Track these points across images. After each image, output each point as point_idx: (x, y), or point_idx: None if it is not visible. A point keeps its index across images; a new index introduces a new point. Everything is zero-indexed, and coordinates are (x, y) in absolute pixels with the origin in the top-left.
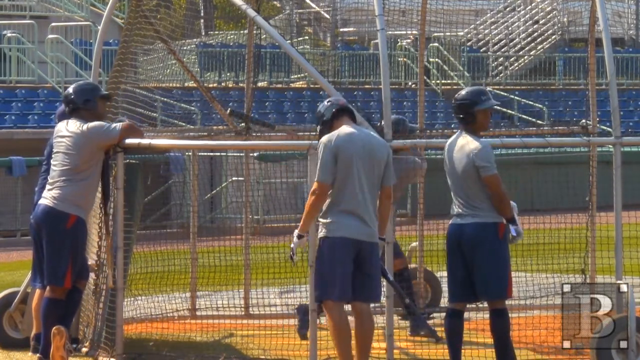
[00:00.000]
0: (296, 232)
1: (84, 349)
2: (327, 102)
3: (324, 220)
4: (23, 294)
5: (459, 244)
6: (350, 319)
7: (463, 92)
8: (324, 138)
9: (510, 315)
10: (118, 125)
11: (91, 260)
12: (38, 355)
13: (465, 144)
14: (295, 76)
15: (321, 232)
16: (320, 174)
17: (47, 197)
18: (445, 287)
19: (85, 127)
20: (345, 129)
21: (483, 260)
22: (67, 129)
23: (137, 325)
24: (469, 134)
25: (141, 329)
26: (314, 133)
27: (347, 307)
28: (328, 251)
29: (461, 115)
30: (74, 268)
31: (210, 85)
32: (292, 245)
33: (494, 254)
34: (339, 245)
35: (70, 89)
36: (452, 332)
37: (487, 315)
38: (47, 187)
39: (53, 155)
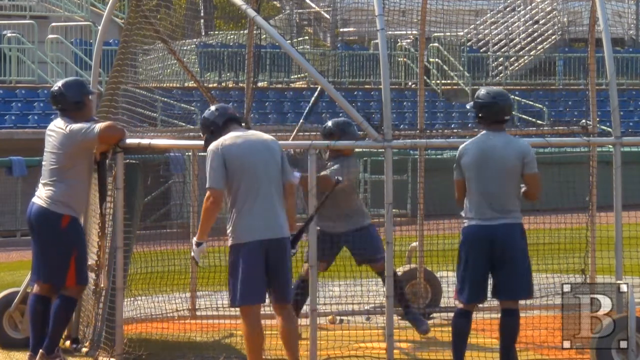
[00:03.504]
0: (194, 239)
1: (84, 349)
2: (215, 110)
3: (230, 228)
4: (23, 294)
5: (492, 244)
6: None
7: (505, 94)
8: (212, 145)
9: None
10: (97, 127)
11: (91, 260)
12: (41, 350)
13: (509, 141)
14: (295, 76)
15: (230, 240)
16: (211, 181)
17: (41, 197)
18: (445, 287)
19: (68, 128)
20: (230, 134)
21: (515, 261)
22: (54, 128)
23: (137, 325)
24: (502, 132)
25: (141, 329)
26: (314, 133)
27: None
28: (239, 258)
29: (507, 117)
30: (78, 265)
31: (210, 85)
32: (192, 254)
33: (524, 255)
34: (248, 250)
35: (59, 88)
36: (461, 332)
37: (487, 315)
38: (40, 185)
39: (44, 155)
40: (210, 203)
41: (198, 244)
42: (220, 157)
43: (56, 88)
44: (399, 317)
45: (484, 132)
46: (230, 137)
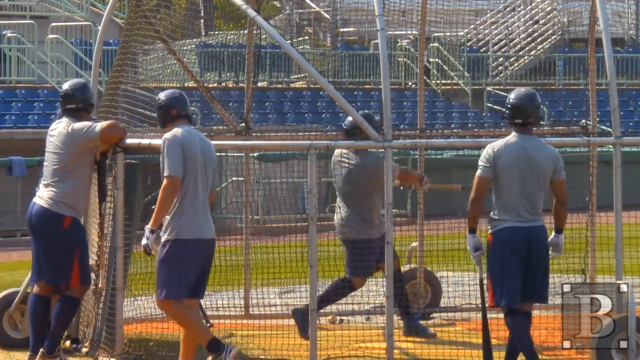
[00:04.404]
0: (148, 227)
1: (84, 349)
2: (170, 95)
3: (175, 222)
4: (23, 294)
5: (528, 246)
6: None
7: (532, 95)
8: (169, 135)
9: None
10: (98, 126)
11: (91, 260)
12: (42, 349)
13: (543, 145)
14: (295, 76)
15: (171, 234)
16: (171, 168)
17: (42, 198)
18: (445, 287)
19: (70, 127)
20: (185, 127)
21: (546, 264)
22: (57, 128)
23: (137, 325)
24: (530, 134)
25: (141, 329)
26: (314, 133)
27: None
28: (182, 252)
29: (531, 119)
30: (81, 265)
31: (210, 85)
32: (145, 242)
33: (549, 259)
34: (194, 247)
35: (72, 88)
36: (523, 329)
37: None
38: (42, 186)
39: (45, 155)
40: (169, 191)
41: (152, 231)
42: (179, 147)
43: (69, 87)
44: (399, 317)
45: (512, 133)
46: (186, 131)
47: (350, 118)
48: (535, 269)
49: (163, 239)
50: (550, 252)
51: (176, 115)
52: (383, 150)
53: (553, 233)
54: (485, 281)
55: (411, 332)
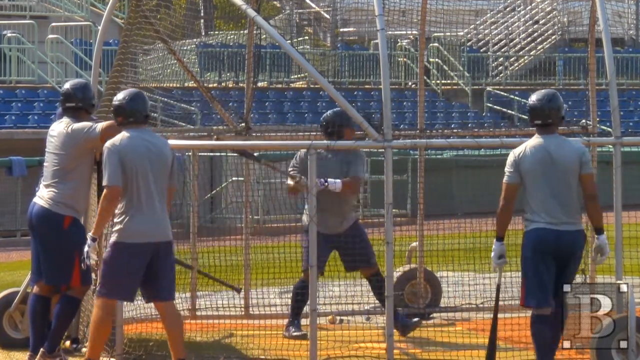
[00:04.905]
0: (90, 234)
1: (84, 349)
2: (120, 101)
3: (118, 225)
4: (23, 294)
5: (557, 250)
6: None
7: (551, 96)
8: (108, 143)
9: (510, 315)
10: (98, 126)
11: (92, 260)
12: (42, 349)
13: (566, 142)
14: (295, 76)
15: (113, 236)
16: (109, 178)
17: (43, 198)
18: (445, 287)
19: (70, 128)
20: (129, 132)
21: (574, 270)
22: (57, 128)
23: (137, 325)
24: (553, 134)
25: (141, 329)
26: (314, 133)
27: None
28: (123, 255)
29: (550, 119)
30: (82, 265)
31: (210, 85)
32: (86, 249)
33: (577, 266)
34: (136, 251)
35: (74, 88)
36: (544, 339)
37: (487, 316)
38: (42, 186)
39: (45, 155)
40: (108, 201)
41: (94, 239)
42: (116, 156)
43: (70, 86)
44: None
45: (535, 135)
46: (127, 137)
47: (328, 113)
48: (561, 273)
49: (109, 240)
50: (598, 257)
51: (121, 122)
52: (383, 150)
53: (595, 236)
54: (502, 286)
55: (397, 327)
